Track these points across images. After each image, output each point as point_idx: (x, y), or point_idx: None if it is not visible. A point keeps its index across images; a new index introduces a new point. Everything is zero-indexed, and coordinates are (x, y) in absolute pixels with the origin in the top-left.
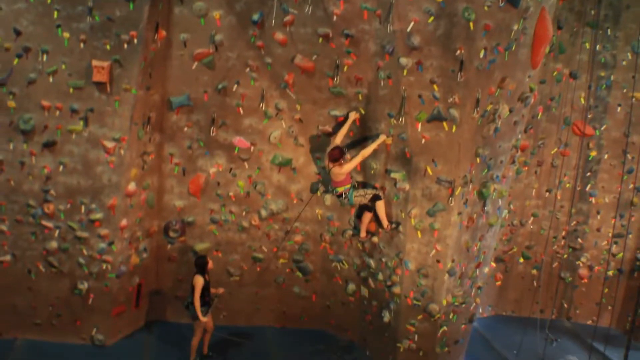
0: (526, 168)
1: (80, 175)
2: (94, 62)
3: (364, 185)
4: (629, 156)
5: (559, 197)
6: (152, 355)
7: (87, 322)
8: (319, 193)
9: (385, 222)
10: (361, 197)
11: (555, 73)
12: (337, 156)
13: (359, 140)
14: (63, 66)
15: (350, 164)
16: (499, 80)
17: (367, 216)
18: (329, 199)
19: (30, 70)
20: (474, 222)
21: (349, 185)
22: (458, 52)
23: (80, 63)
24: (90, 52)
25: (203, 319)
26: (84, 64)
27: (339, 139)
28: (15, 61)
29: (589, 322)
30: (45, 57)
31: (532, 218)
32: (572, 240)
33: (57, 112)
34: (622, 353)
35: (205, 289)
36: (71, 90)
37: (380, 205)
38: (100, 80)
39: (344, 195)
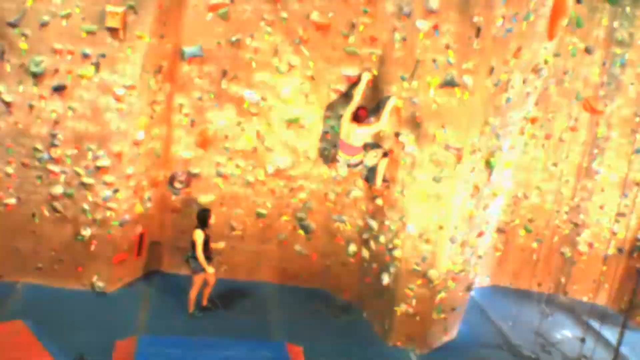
0: (535, 139)
1: (89, 121)
2: (108, 8)
3: (371, 147)
4: (638, 136)
5: (564, 172)
6: (152, 304)
7: (89, 269)
8: (338, 169)
9: (380, 181)
10: (374, 158)
11: (570, 47)
12: (365, 115)
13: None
14: (77, 10)
15: (372, 128)
16: (515, 50)
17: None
18: (345, 170)
19: (43, 12)
20: (479, 191)
21: (363, 152)
22: (476, 18)
23: (94, 7)
24: None
25: (209, 270)
26: (98, 8)
27: (356, 103)
28: (29, 2)
29: (585, 298)
30: None
31: (536, 191)
32: (574, 216)
33: (69, 57)
34: (617, 332)
35: (205, 244)
36: (84, 34)
37: (383, 163)
38: (114, 26)
39: (362, 163)
